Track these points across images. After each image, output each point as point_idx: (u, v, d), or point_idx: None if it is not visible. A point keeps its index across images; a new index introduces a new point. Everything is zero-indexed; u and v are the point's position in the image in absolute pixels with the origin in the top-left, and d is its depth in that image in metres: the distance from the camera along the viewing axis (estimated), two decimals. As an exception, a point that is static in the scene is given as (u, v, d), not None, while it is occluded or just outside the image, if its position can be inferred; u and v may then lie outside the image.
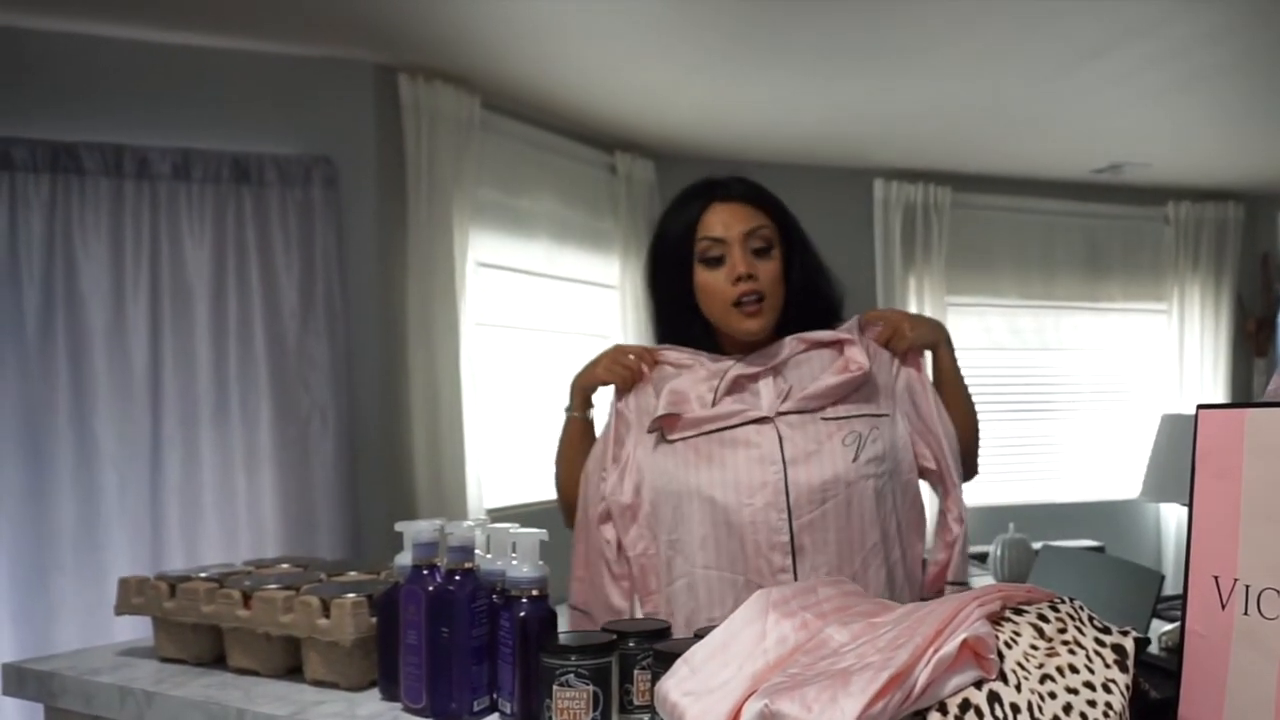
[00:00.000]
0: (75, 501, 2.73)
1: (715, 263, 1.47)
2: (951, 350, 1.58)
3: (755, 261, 1.46)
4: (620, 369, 1.55)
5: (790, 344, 1.48)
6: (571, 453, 1.62)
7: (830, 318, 1.56)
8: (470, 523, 1.22)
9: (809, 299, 1.53)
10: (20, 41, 2.80)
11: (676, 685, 0.92)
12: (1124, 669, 0.81)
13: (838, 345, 1.48)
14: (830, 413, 1.41)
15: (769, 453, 1.38)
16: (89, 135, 2.79)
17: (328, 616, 1.26)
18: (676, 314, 1.55)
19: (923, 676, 0.78)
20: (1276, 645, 0.76)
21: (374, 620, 1.25)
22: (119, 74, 2.89)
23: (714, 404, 1.43)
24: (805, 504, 1.36)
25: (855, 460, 1.38)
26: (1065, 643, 0.83)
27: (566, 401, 1.66)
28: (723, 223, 1.47)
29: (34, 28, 2.80)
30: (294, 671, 1.33)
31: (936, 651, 0.79)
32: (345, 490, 3.03)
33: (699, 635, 1.10)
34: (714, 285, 1.47)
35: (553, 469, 1.67)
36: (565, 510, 1.64)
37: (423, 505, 3.14)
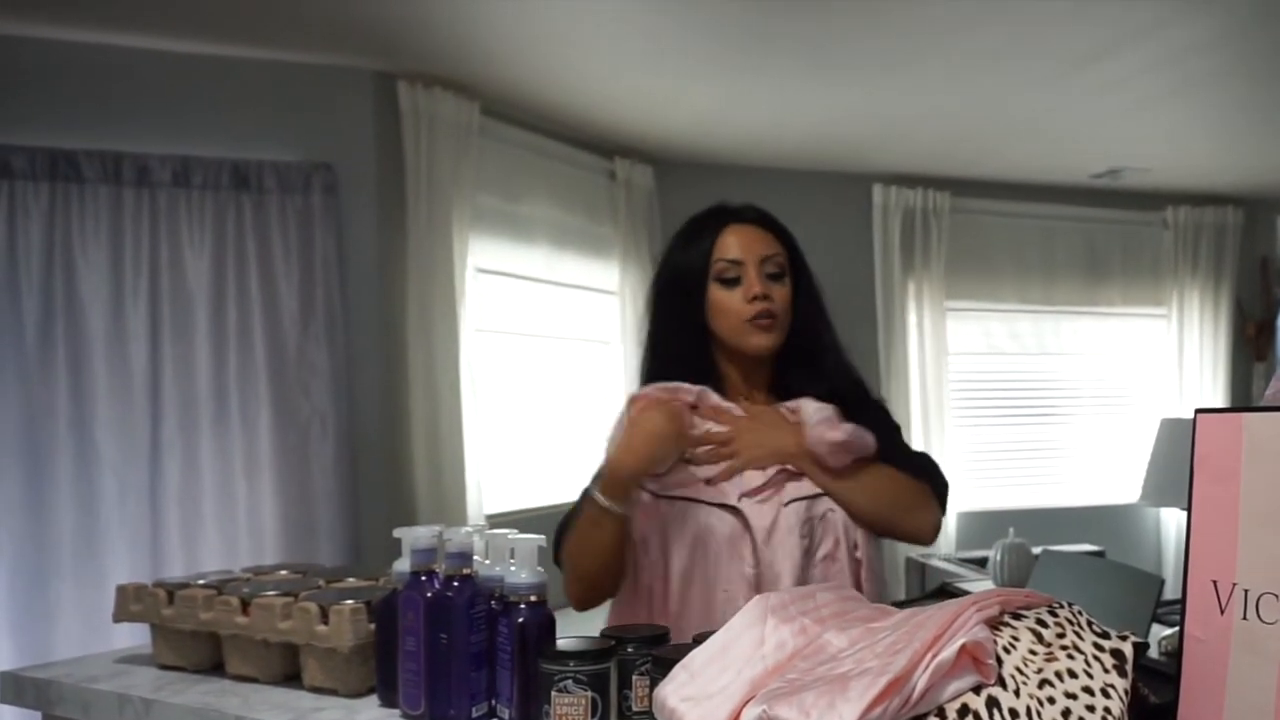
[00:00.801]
0: (74, 508, 2.72)
1: (732, 283, 1.52)
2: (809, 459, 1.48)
3: (769, 284, 1.51)
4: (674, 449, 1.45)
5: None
6: (605, 555, 1.45)
7: (820, 359, 1.58)
8: (468, 529, 1.22)
9: (811, 333, 1.57)
10: (19, 49, 2.80)
11: (675, 690, 0.92)
12: (1123, 674, 0.81)
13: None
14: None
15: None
16: (88, 143, 2.80)
17: (326, 623, 1.26)
18: (683, 333, 1.56)
19: (921, 682, 0.78)
20: (1275, 649, 0.76)
21: (372, 626, 1.25)
22: (118, 81, 2.89)
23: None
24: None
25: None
26: (1064, 647, 0.83)
27: (597, 484, 1.44)
28: (741, 244, 1.52)
29: (33, 36, 2.80)
30: (292, 678, 1.32)
31: (935, 657, 0.79)
32: (345, 496, 3.02)
33: (697, 640, 1.10)
34: (730, 304, 1.51)
35: (565, 557, 1.50)
36: (581, 597, 1.51)
37: (422, 511, 3.14)
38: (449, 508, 3.19)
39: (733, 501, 1.44)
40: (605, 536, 1.42)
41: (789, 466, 1.47)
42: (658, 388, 1.49)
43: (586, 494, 1.47)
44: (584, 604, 1.51)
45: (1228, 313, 5.13)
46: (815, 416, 1.47)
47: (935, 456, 1.73)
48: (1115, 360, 5.15)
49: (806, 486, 1.46)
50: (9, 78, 2.79)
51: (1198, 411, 0.86)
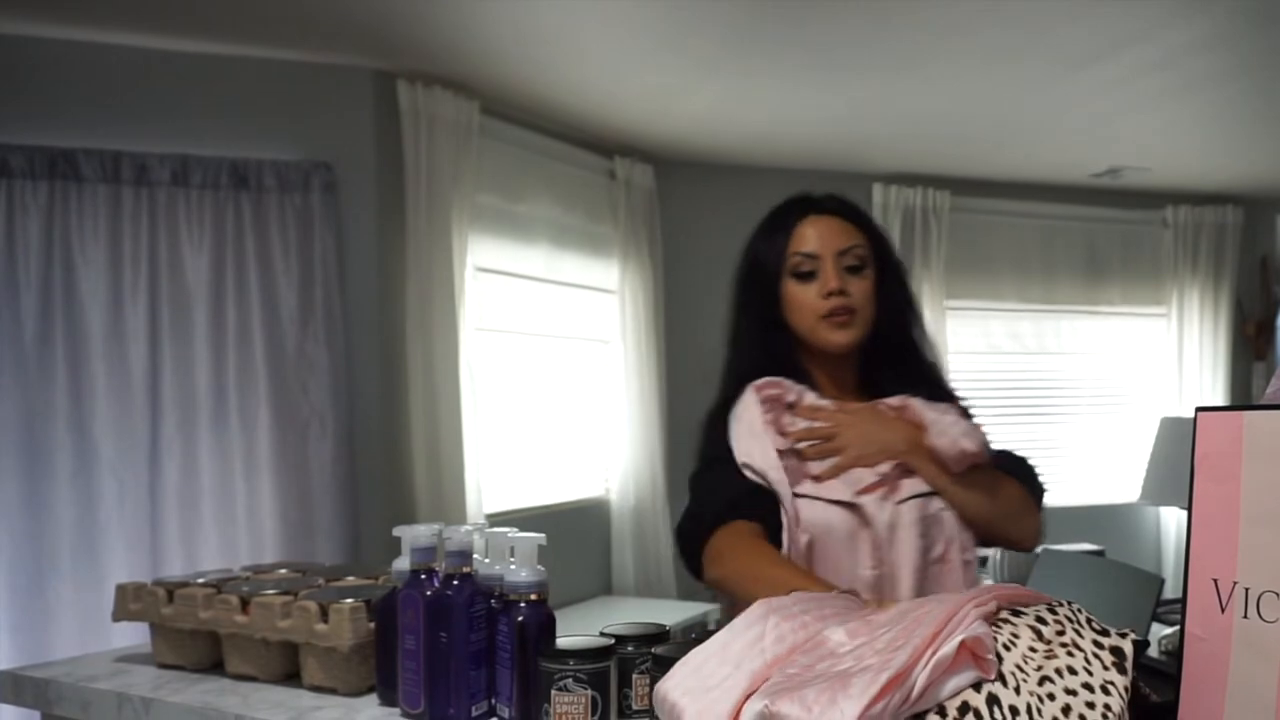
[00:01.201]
0: (73, 507, 2.72)
1: (808, 277, 1.46)
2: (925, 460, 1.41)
3: (848, 278, 1.46)
4: None
5: None
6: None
7: (908, 356, 1.53)
8: (468, 527, 1.22)
9: (899, 329, 1.52)
10: (18, 48, 2.80)
11: (675, 685, 0.92)
12: (1122, 671, 0.81)
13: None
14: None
15: None
16: (87, 142, 2.79)
17: (326, 622, 1.25)
18: (763, 329, 1.51)
19: (921, 678, 0.78)
20: (1277, 648, 0.76)
21: (372, 625, 1.25)
22: (117, 80, 2.89)
23: None
24: None
25: None
26: (1064, 645, 0.83)
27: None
28: (817, 237, 1.47)
29: (31, 35, 2.80)
30: (292, 677, 1.32)
31: (934, 653, 0.78)
32: (344, 496, 3.02)
33: (697, 640, 1.10)
34: (804, 300, 1.46)
35: (728, 577, 1.37)
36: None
37: (422, 510, 3.14)
38: (448, 507, 3.19)
39: (849, 498, 1.37)
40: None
41: (900, 463, 1.41)
42: (766, 382, 1.43)
43: (738, 480, 1.38)
44: (715, 587, 1.42)
45: (1227, 312, 5.13)
46: (944, 418, 1.41)
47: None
48: (1115, 359, 5.14)
49: (920, 484, 1.40)
50: (7, 77, 2.79)
51: (1198, 410, 0.85)
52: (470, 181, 3.31)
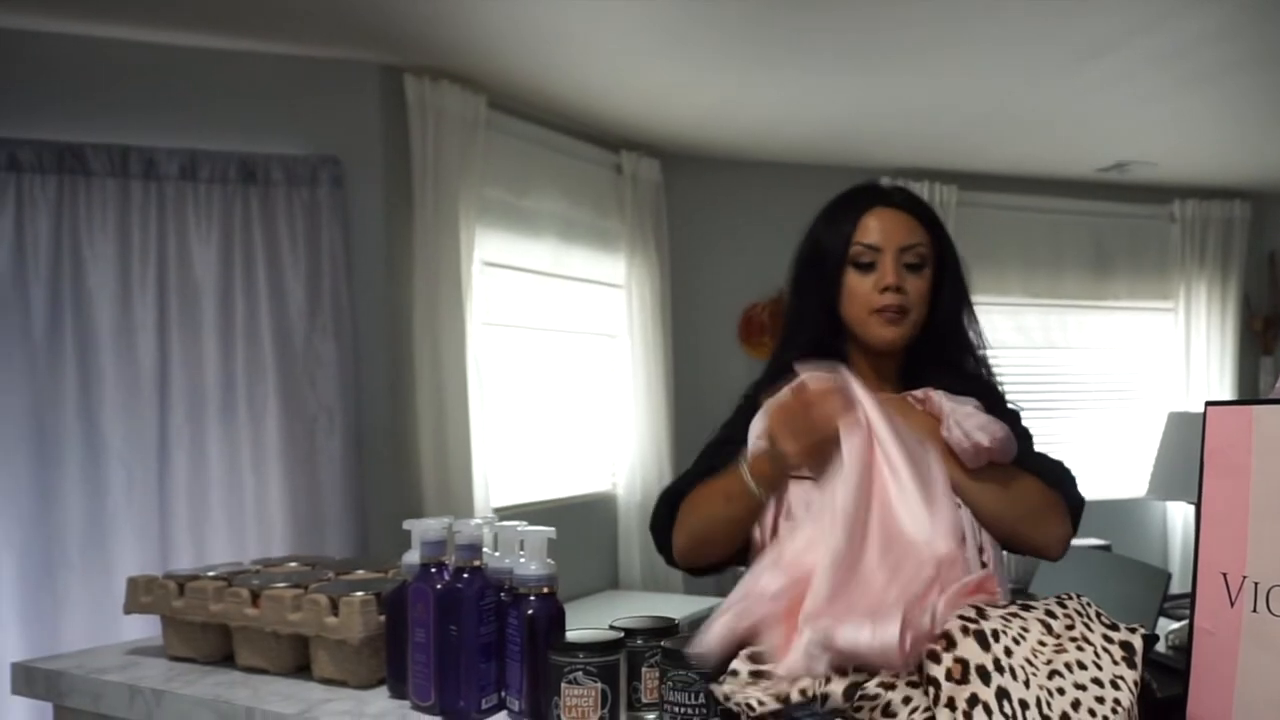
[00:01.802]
0: (83, 499, 2.73)
1: (867, 268, 1.45)
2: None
3: (906, 275, 1.44)
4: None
5: None
6: (726, 529, 1.36)
7: (954, 354, 1.51)
8: (478, 520, 1.22)
9: (950, 330, 1.50)
10: (26, 43, 2.81)
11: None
12: (1132, 665, 0.81)
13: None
14: None
15: None
16: (95, 137, 2.80)
17: (336, 615, 1.26)
18: (816, 314, 1.50)
19: (940, 605, 0.81)
20: (1285, 642, 0.76)
21: (382, 618, 1.25)
22: (125, 75, 2.90)
23: None
24: None
25: None
26: (1073, 639, 0.83)
27: (745, 459, 1.34)
28: (882, 230, 1.45)
29: (40, 29, 2.81)
30: (302, 670, 1.33)
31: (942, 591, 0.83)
32: (352, 489, 3.03)
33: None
34: (860, 290, 1.45)
35: (684, 509, 1.43)
36: (685, 552, 1.43)
37: (429, 504, 3.15)
38: (455, 500, 3.19)
39: None
40: (734, 513, 1.33)
41: None
42: (817, 375, 1.32)
43: (729, 458, 1.36)
44: (686, 560, 1.44)
45: (1235, 306, 5.12)
46: (961, 410, 1.37)
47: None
48: (1122, 354, 5.14)
49: None
50: (16, 72, 2.80)
51: (1208, 404, 0.86)
52: (477, 175, 3.31)
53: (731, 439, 1.44)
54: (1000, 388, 1.55)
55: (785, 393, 1.26)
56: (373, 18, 2.84)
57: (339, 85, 3.12)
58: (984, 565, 1.36)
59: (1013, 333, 4.94)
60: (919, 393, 1.44)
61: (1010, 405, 1.54)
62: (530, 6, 2.79)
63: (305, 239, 2.99)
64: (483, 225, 3.38)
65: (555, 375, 3.88)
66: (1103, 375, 5.11)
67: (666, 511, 1.46)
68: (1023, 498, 1.38)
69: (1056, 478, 1.44)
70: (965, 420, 1.34)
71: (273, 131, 3.02)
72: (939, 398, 1.41)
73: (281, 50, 3.04)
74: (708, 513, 1.37)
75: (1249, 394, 5.09)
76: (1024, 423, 1.52)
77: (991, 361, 1.56)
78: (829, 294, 1.47)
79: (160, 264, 2.85)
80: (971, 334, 1.53)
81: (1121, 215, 5.05)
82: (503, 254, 3.55)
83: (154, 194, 2.84)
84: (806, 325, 1.50)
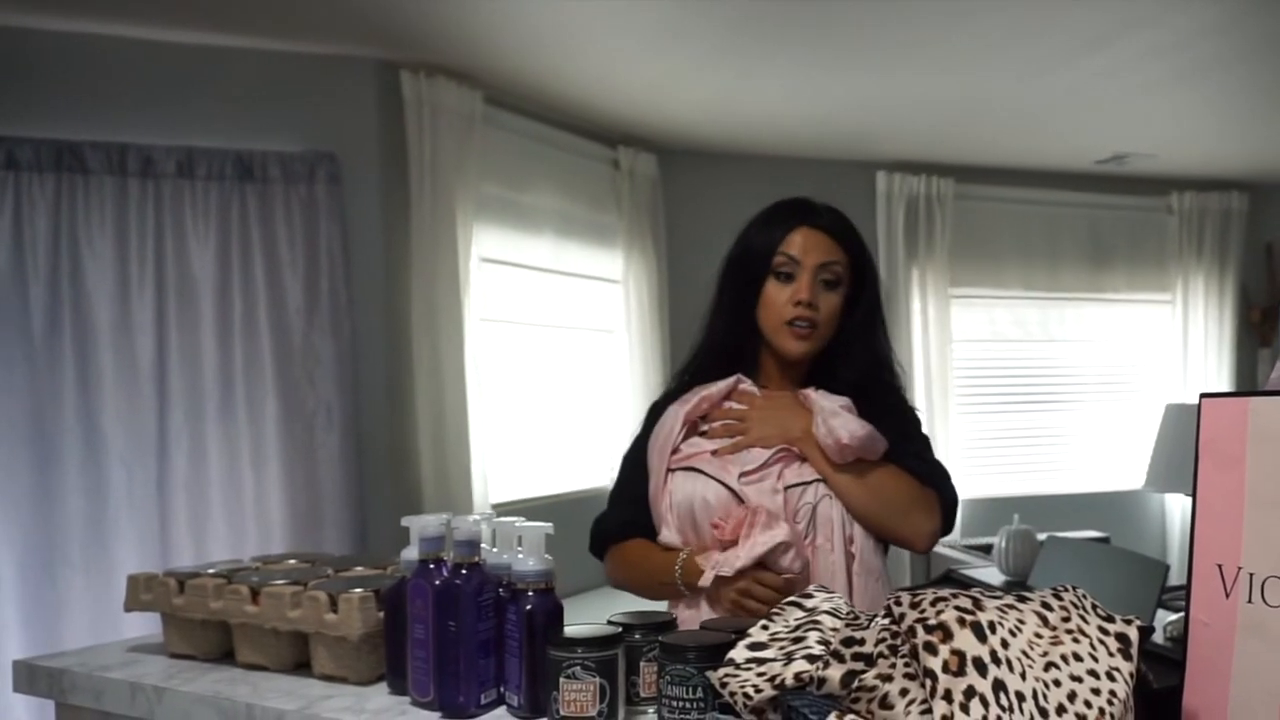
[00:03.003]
0: (83, 498, 2.74)
1: (786, 279, 1.53)
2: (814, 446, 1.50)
3: (821, 292, 1.53)
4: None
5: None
6: (657, 594, 1.58)
7: (858, 366, 1.58)
8: (477, 516, 1.22)
9: (857, 341, 1.58)
10: (24, 41, 2.80)
11: None
12: (1128, 657, 0.82)
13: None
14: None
15: None
16: (93, 134, 2.80)
17: (335, 611, 1.26)
18: (734, 315, 1.59)
19: None
20: (1280, 633, 0.77)
21: (381, 615, 1.26)
22: (122, 73, 2.89)
23: None
24: None
25: None
26: (1069, 631, 0.83)
27: (680, 567, 1.48)
28: (805, 246, 1.53)
29: (37, 27, 2.81)
30: (302, 666, 1.33)
31: None
32: (351, 486, 3.04)
33: (705, 626, 1.11)
34: (777, 300, 1.54)
35: (617, 571, 1.66)
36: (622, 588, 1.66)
37: (428, 500, 3.15)
38: (454, 497, 3.20)
39: (731, 481, 1.46)
40: (661, 591, 1.53)
41: (793, 449, 1.49)
42: (696, 404, 1.55)
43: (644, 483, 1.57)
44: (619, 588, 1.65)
45: (1233, 298, 5.12)
46: (828, 408, 1.48)
47: (940, 443, 1.73)
48: (1120, 346, 5.14)
49: (807, 471, 1.48)
50: (14, 69, 2.80)
51: (1203, 396, 0.86)
52: (474, 171, 3.31)
53: (637, 460, 1.61)
54: (903, 392, 1.64)
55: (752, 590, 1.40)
56: (369, 13, 2.84)
57: (335, 81, 3.12)
58: (851, 555, 1.48)
59: (1010, 326, 4.95)
60: (807, 390, 1.54)
61: (915, 410, 1.64)
62: (526, 2, 2.79)
63: (303, 236, 2.99)
64: (480, 221, 3.37)
65: (553, 371, 3.88)
66: (1100, 367, 5.11)
67: (598, 547, 1.70)
68: (888, 492, 1.49)
69: (930, 474, 1.53)
70: (831, 418, 1.46)
71: (269, 128, 3.02)
72: (815, 397, 1.52)
73: (278, 47, 3.04)
74: (637, 579, 1.58)
75: (1247, 386, 5.10)
76: (923, 429, 1.63)
77: (898, 369, 1.64)
78: (749, 298, 1.57)
79: (158, 262, 2.85)
80: (878, 346, 1.62)
81: (1119, 207, 5.05)
82: (500, 250, 3.55)
83: (151, 191, 2.84)
84: (722, 324, 1.61)
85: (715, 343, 1.62)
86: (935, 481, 1.53)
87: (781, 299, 1.53)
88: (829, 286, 1.54)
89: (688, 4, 2.85)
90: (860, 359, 1.58)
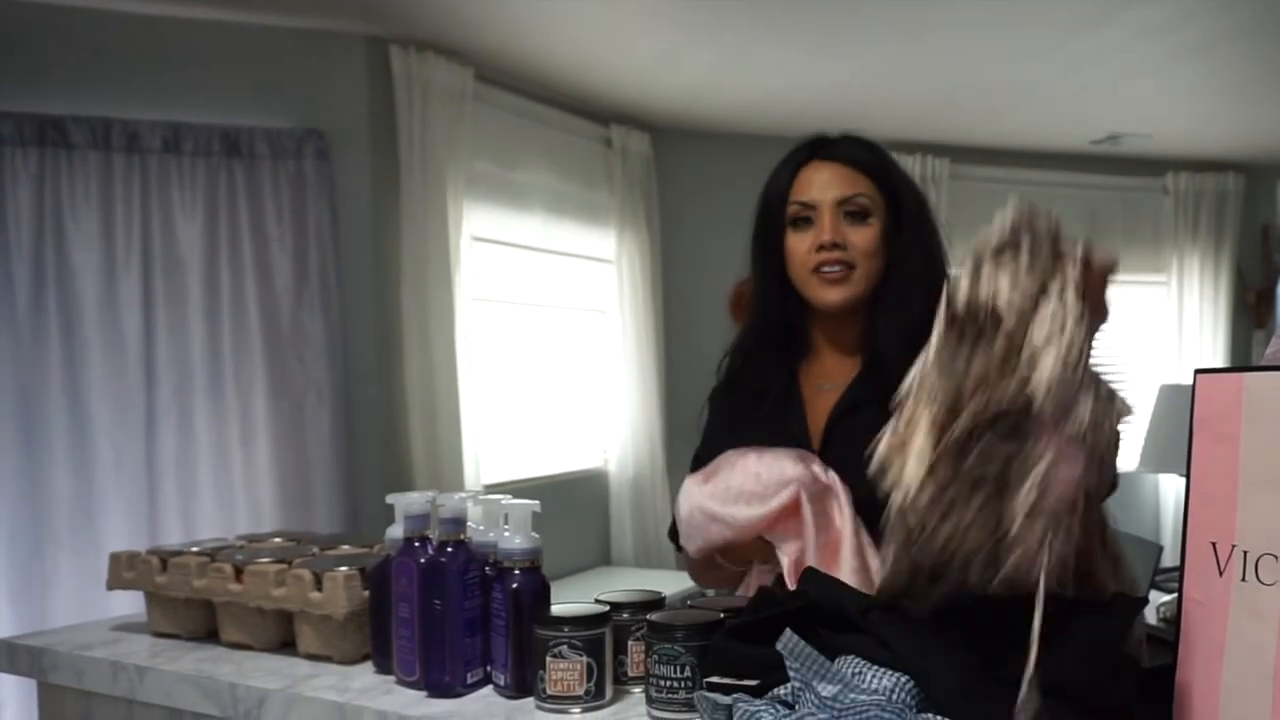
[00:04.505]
0: (70, 476, 2.72)
1: (804, 225, 1.36)
2: None
3: (847, 228, 1.35)
4: None
5: None
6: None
7: (916, 311, 1.31)
8: (462, 495, 1.21)
9: (912, 282, 1.35)
10: (5, 13, 2.76)
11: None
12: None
13: None
14: None
15: None
16: (77, 109, 2.77)
17: (320, 590, 1.25)
18: (769, 285, 1.42)
19: None
20: (1275, 611, 0.76)
21: (366, 593, 1.24)
22: (107, 47, 2.86)
23: None
24: None
25: None
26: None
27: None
28: (816, 185, 1.37)
29: (20, 0, 2.77)
30: (287, 645, 1.32)
31: None
32: (341, 465, 3.02)
33: (693, 608, 1.10)
34: (799, 250, 1.36)
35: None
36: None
37: (419, 480, 3.14)
38: (446, 476, 3.19)
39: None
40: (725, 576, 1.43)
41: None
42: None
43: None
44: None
45: (1228, 280, 5.11)
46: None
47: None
48: (1115, 327, 5.12)
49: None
50: (-4, 43, 2.76)
51: (1197, 372, 0.85)
52: (465, 149, 3.28)
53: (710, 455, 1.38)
54: None
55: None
56: (357, -12, 2.80)
57: (324, 57, 3.08)
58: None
59: (1005, 306, 4.94)
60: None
61: None
62: (517, -24, 2.76)
63: (291, 213, 2.96)
64: (471, 199, 3.35)
65: (546, 351, 3.86)
66: (1095, 348, 5.10)
67: (672, 534, 1.47)
68: None
69: None
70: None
71: (257, 104, 2.99)
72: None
73: (266, 21, 3.00)
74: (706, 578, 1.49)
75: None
76: None
77: None
78: (775, 259, 1.40)
79: (144, 238, 2.83)
80: (936, 282, 1.36)
81: (1115, 188, 5.04)
82: (491, 229, 3.53)
83: (137, 167, 2.81)
84: (759, 299, 1.44)
85: (756, 322, 1.44)
86: None
87: (803, 248, 1.35)
88: (856, 219, 1.35)
89: (681, -21, 2.82)
90: (916, 312, 1.20)
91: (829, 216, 1.35)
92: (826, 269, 1.34)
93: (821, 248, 1.34)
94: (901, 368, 0.92)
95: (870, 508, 1.23)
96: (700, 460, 1.42)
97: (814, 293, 1.36)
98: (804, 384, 1.43)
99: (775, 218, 1.39)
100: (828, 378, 1.41)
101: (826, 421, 1.37)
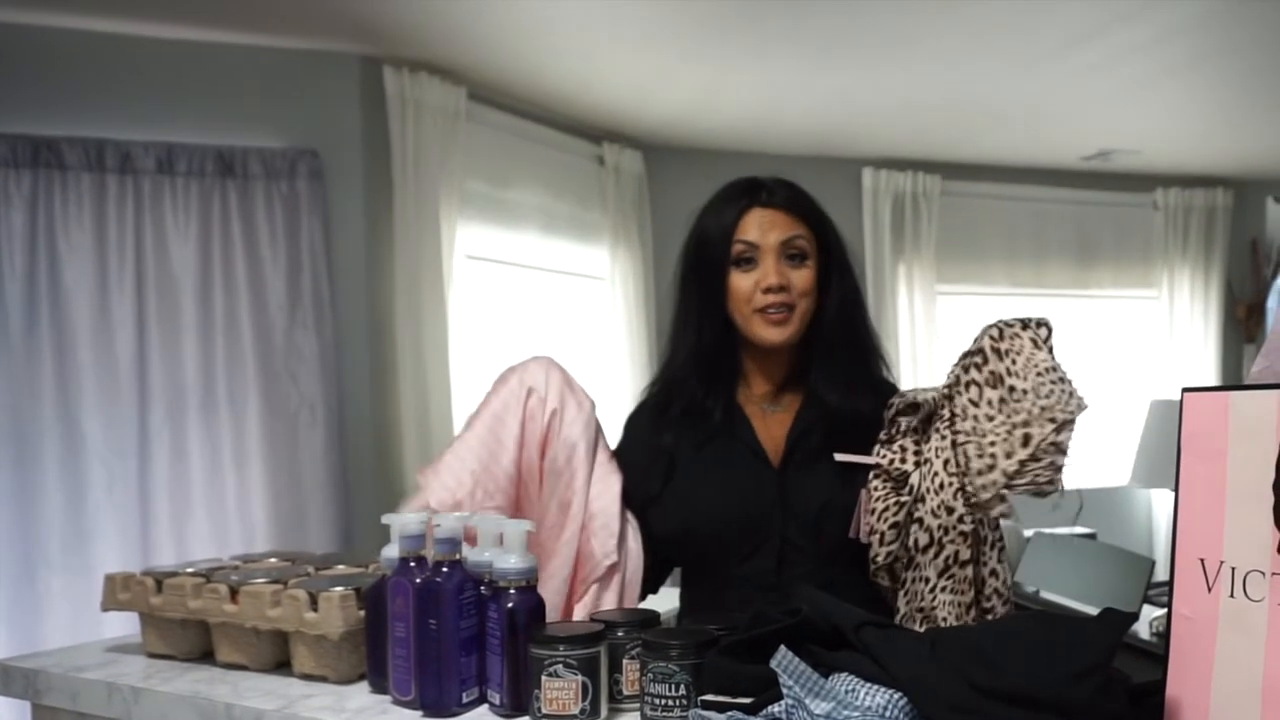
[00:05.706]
0: (63, 497, 2.72)
1: (748, 265, 1.44)
2: None
3: (788, 270, 1.43)
4: None
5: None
6: None
7: (842, 350, 1.48)
8: (458, 515, 1.21)
9: (840, 322, 1.47)
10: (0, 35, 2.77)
11: None
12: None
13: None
14: None
15: None
16: (70, 130, 2.77)
17: (316, 610, 1.25)
18: (702, 313, 1.48)
19: None
20: (1262, 626, 0.76)
21: (362, 613, 1.25)
22: (100, 68, 2.87)
23: None
24: None
25: None
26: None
27: None
28: (759, 228, 1.44)
29: (13, 21, 2.78)
30: (282, 666, 1.32)
31: None
32: (335, 484, 3.02)
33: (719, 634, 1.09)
34: (743, 289, 1.44)
35: None
36: None
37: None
38: (440, 495, 3.18)
39: None
40: None
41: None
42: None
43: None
44: None
45: (1218, 294, 5.14)
46: None
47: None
48: (1106, 342, 5.15)
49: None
50: (-10, 65, 2.77)
51: (1185, 390, 0.86)
52: (458, 168, 3.30)
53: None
54: (887, 377, 1.55)
55: None
56: (351, 9, 2.82)
57: (318, 77, 3.10)
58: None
59: (997, 322, 4.95)
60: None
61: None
62: (510, -3, 2.78)
63: (284, 233, 2.97)
64: (464, 218, 3.36)
65: (540, 368, 3.86)
66: (1086, 364, 5.12)
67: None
68: None
69: None
70: None
71: (251, 124, 3.00)
72: None
73: (259, 42, 3.02)
74: None
75: (1233, 382, 5.12)
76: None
77: (879, 350, 1.55)
78: (715, 293, 1.46)
79: (138, 259, 2.83)
80: (859, 324, 1.51)
81: (1105, 204, 5.07)
82: (484, 247, 3.54)
83: (130, 188, 2.82)
84: (693, 326, 1.49)
85: (691, 348, 1.50)
86: None
87: (748, 287, 1.43)
88: (795, 261, 1.43)
89: (673, 1, 2.85)
90: (845, 349, 1.47)
91: (772, 258, 1.43)
92: (772, 310, 1.42)
93: (769, 290, 1.42)
94: (840, 397, 1.44)
95: (830, 514, 1.39)
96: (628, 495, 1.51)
97: (757, 331, 1.45)
98: (745, 406, 1.51)
99: (718, 254, 1.45)
100: (764, 400, 1.52)
101: (786, 441, 1.47)
